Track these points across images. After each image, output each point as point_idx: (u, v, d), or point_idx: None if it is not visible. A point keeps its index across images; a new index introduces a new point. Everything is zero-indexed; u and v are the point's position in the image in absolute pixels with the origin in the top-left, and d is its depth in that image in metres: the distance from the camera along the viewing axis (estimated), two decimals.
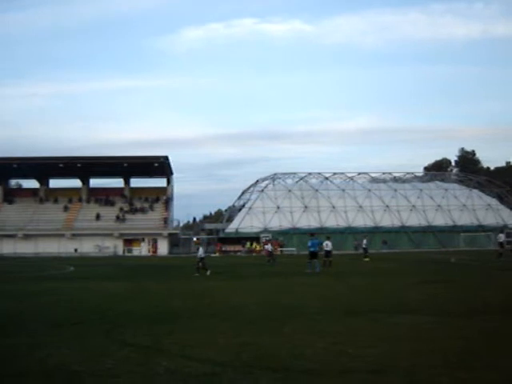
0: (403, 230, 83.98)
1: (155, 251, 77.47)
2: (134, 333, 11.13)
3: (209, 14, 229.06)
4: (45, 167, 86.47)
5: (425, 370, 7.79)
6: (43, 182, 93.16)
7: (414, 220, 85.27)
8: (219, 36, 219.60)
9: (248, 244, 77.12)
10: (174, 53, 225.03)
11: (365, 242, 49.21)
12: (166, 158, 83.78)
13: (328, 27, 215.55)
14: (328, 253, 37.09)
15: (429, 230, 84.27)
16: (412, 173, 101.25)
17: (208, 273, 29.72)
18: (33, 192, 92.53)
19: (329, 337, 10.38)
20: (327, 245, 37.58)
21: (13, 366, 8.47)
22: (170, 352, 9.23)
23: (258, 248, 74.10)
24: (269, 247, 49.88)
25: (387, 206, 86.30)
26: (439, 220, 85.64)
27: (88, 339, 10.48)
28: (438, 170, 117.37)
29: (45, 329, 11.80)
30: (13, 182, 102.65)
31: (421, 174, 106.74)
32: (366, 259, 44.75)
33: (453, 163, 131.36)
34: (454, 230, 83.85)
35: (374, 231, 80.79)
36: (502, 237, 45.81)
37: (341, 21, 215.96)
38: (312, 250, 32.62)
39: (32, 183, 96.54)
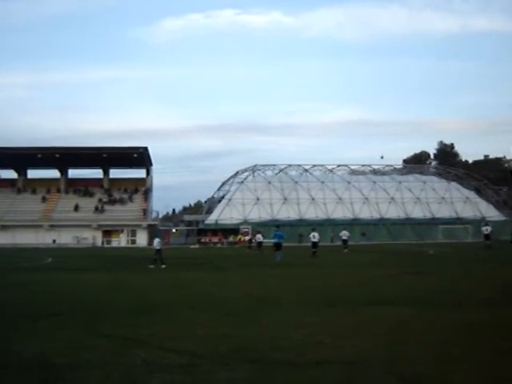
0: (382, 223, 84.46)
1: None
2: (112, 324, 11.16)
3: (189, 4, 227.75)
4: (23, 157, 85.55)
5: (402, 361, 7.91)
6: (21, 172, 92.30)
7: (392, 212, 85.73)
8: (199, 27, 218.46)
9: (232, 236, 76.90)
10: (154, 43, 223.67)
11: (346, 233, 49.48)
12: (146, 148, 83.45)
13: (308, 19, 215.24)
14: (315, 244, 37.94)
15: (407, 223, 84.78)
16: (391, 165, 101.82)
17: (163, 266, 28.97)
18: (11, 182, 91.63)
19: (306, 328, 10.47)
20: (314, 236, 38.69)
21: None
22: (149, 344, 9.27)
23: (242, 239, 73.54)
24: (260, 237, 50.43)
25: (366, 198, 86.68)
26: (418, 212, 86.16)
27: (67, 331, 10.49)
28: (416, 162, 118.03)
29: (23, 321, 11.76)
30: None
31: (400, 167, 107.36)
32: (345, 250, 45.17)
33: (432, 156, 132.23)
34: (433, 222, 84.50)
35: (353, 223, 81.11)
36: (488, 229, 46.07)
37: (321, 13, 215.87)
38: (275, 241, 34.28)
39: (10, 173, 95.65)
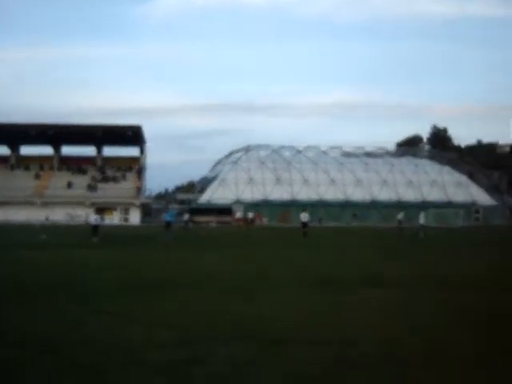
0: (373, 205, 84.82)
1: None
2: (107, 301, 11.30)
3: None
4: (16, 134, 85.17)
5: (396, 339, 8.10)
6: (14, 148, 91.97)
7: (384, 195, 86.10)
8: (194, 4, 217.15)
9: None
10: (148, 21, 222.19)
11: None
12: (139, 127, 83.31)
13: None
14: (305, 224, 38.92)
15: (399, 206, 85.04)
16: (384, 148, 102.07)
17: (95, 240, 31.44)
18: (3, 159, 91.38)
19: (302, 307, 10.67)
20: (305, 216, 39.00)
21: None
22: (145, 320, 9.44)
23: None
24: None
25: (358, 180, 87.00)
26: (409, 195, 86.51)
27: (63, 307, 10.65)
28: (410, 146, 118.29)
29: (20, 297, 11.90)
30: None
31: (393, 150, 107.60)
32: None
33: (425, 140, 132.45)
34: (424, 205, 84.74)
35: (345, 205, 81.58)
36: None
37: None
38: (168, 219, 38.12)
39: (2, 150, 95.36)
